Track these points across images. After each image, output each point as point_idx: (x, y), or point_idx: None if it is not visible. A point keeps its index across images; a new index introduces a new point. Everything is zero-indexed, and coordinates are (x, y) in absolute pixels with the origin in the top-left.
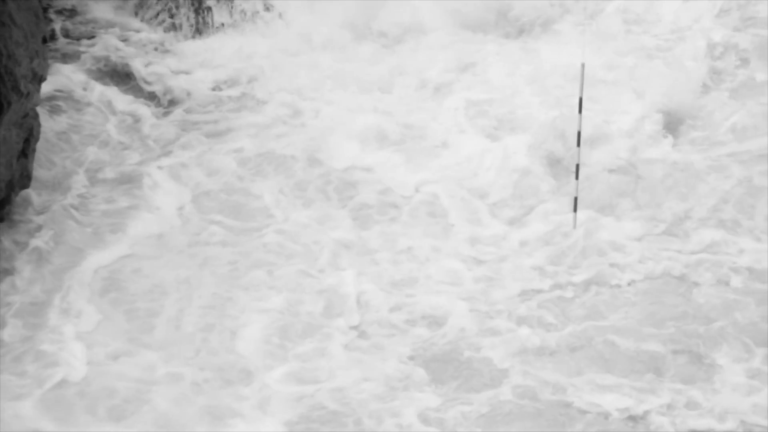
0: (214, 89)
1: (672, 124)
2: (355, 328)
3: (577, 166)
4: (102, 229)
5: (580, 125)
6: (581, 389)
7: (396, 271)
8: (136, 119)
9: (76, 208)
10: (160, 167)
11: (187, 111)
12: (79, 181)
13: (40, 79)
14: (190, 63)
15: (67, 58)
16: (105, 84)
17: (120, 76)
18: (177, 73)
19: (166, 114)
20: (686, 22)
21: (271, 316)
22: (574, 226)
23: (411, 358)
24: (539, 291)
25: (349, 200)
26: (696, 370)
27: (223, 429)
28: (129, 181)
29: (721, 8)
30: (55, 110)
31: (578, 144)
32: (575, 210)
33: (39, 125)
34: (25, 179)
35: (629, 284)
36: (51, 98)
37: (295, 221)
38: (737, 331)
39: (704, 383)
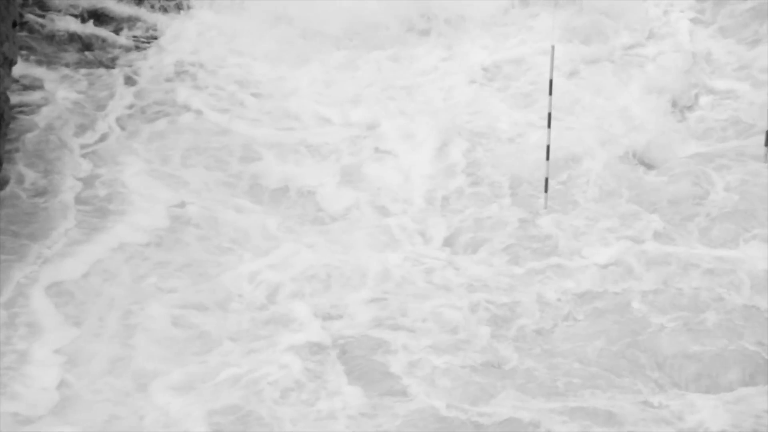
0: (175, 70)
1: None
2: (272, 328)
3: (548, 147)
4: (47, 221)
5: (550, 107)
6: (494, 407)
7: (317, 273)
8: (95, 99)
9: (28, 199)
10: (106, 152)
11: (145, 91)
12: (35, 170)
13: (11, 63)
14: (157, 40)
15: (32, 37)
16: (66, 61)
17: (83, 52)
18: (141, 50)
19: (122, 94)
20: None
21: (188, 317)
22: (545, 206)
23: (322, 357)
24: (461, 303)
25: (283, 199)
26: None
27: None
28: (79, 168)
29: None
30: (19, 92)
31: (548, 125)
32: (546, 191)
33: (10, 109)
34: None
35: (559, 299)
36: (16, 81)
37: (224, 219)
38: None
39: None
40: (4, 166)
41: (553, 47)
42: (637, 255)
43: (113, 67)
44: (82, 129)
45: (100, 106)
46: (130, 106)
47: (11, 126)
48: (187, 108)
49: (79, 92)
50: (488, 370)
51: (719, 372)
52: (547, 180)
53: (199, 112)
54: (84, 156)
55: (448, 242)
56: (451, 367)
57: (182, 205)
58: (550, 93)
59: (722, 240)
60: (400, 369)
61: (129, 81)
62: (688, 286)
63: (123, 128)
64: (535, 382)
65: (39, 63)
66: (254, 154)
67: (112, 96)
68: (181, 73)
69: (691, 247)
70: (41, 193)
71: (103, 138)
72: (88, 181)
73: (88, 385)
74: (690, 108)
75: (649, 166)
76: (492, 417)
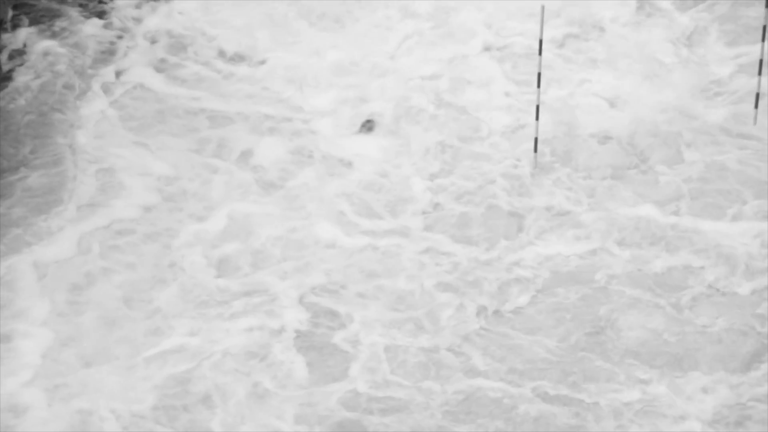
0: (152, 40)
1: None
2: (224, 302)
3: (537, 107)
4: (29, 195)
5: (540, 66)
6: (447, 387)
7: (274, 245)
8: (84, 63)
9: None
10: (91, 123)
11: (132, 58)
12: (19, 142)
13: (0, 22)
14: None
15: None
16: (58, 22)
17: (74, 9)
18: (133, 13)
19: (111, 60)
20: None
21: (144, 293)
22: (534, 167)
23: (271, 332)
24: (418, 282)
25: (248, 169)
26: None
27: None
28: (63, 138)
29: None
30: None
31: (538, 85)
32: (535, 150)
33: (1, 69)
34: None
35: (524, 279)
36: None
37: (192, 190)
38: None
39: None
40: None
41: (543, 7)
42: (611, 234)
43: (104, 20)
44: (67, 97)
45: (87, 73)
46: (117, 74)
47: None
48: (163, 77)
49: (66, 56)
50: (444, 350)
51: (699, 356)
52: (536, 140)
53: (173, 82)
54: (69, 126)
55: (413, 219)
56: (403, 345)
57: (155, 176)
58: (540, 53)
59: (701, 217)
60: (349, 345)
61: (119, 44)
62: (664, 266)
63: (106, 91)
64: (494, 364)
65: (30, 24)
66: (225, 121)
67: (98, 62)
68: (165, 40)
69: (668, 225)
70: (22, 164)
71: (88, 109)
72: (71, 152)
73: (42, 361)
74: (669, 83)
75: (626, 144)
76: (443, 396)
